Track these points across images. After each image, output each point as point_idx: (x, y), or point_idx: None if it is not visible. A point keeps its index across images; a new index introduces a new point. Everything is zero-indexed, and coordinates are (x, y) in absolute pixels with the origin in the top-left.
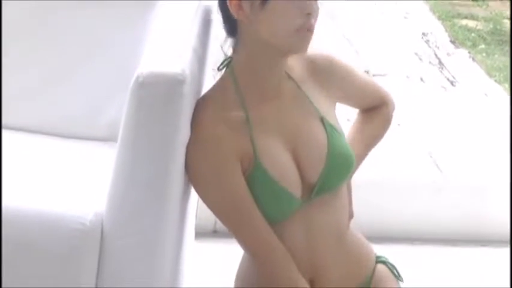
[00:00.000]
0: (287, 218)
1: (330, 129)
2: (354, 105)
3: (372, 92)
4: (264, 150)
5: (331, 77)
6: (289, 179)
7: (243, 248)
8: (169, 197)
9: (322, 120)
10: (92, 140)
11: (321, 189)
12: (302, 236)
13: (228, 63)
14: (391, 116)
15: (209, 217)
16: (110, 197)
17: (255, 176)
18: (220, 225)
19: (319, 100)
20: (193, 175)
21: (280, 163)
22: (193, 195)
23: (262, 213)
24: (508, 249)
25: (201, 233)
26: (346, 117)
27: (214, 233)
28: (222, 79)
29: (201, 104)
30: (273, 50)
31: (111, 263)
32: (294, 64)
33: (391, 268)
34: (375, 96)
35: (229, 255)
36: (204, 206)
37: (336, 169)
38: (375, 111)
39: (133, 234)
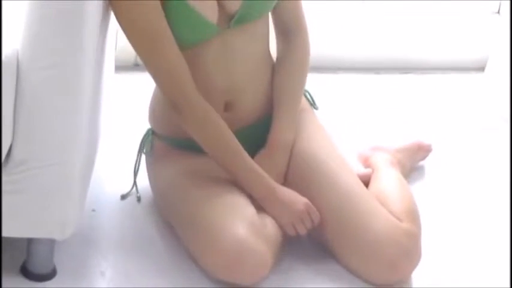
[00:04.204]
0: (203, 42)
1: None
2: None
3: (294, 9)
4: None
5: None
6: (205, 6)
7: (153, 77)
8: (85, 26)
9: None
10: None
11: (240, 19)
12: (219, 59)
13: None
14: (308, 44)
15: (130, 50)
16: (25, 31)
17: (171, 1)
18: None
19: None
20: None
21: None
22: (112, 28)
23: (176, 37)
24: (430, 76)
25: (122, 66)
26: None
27: (136, 67)
28: None
29: None
30: None
31: (28, 97)
32: None
33: (306, 95)
34: (294, 15)
35: (150, 88)
36: (124, 40)
37: (256, 1)
38: (292, 42)
39: (50, 67)
